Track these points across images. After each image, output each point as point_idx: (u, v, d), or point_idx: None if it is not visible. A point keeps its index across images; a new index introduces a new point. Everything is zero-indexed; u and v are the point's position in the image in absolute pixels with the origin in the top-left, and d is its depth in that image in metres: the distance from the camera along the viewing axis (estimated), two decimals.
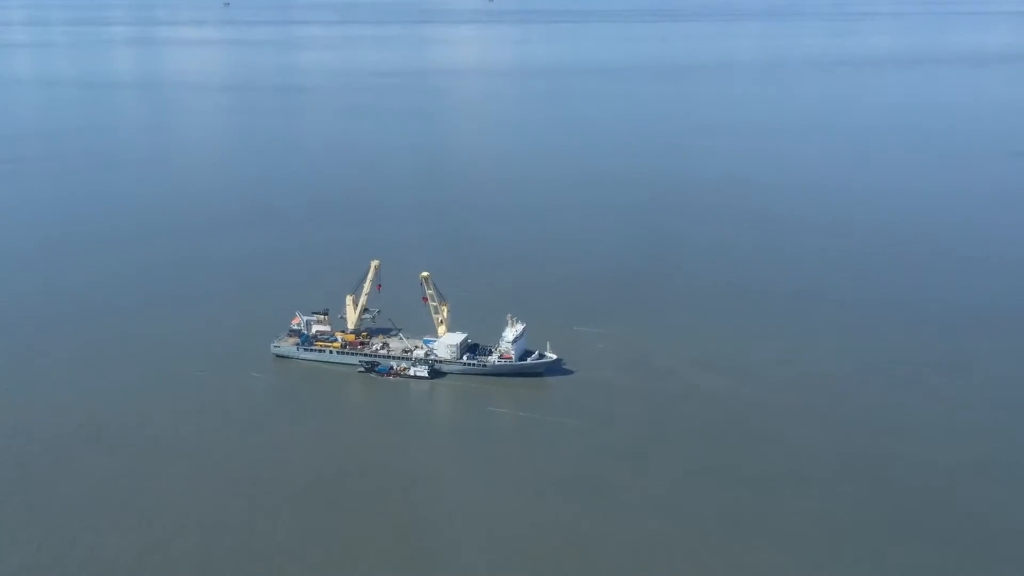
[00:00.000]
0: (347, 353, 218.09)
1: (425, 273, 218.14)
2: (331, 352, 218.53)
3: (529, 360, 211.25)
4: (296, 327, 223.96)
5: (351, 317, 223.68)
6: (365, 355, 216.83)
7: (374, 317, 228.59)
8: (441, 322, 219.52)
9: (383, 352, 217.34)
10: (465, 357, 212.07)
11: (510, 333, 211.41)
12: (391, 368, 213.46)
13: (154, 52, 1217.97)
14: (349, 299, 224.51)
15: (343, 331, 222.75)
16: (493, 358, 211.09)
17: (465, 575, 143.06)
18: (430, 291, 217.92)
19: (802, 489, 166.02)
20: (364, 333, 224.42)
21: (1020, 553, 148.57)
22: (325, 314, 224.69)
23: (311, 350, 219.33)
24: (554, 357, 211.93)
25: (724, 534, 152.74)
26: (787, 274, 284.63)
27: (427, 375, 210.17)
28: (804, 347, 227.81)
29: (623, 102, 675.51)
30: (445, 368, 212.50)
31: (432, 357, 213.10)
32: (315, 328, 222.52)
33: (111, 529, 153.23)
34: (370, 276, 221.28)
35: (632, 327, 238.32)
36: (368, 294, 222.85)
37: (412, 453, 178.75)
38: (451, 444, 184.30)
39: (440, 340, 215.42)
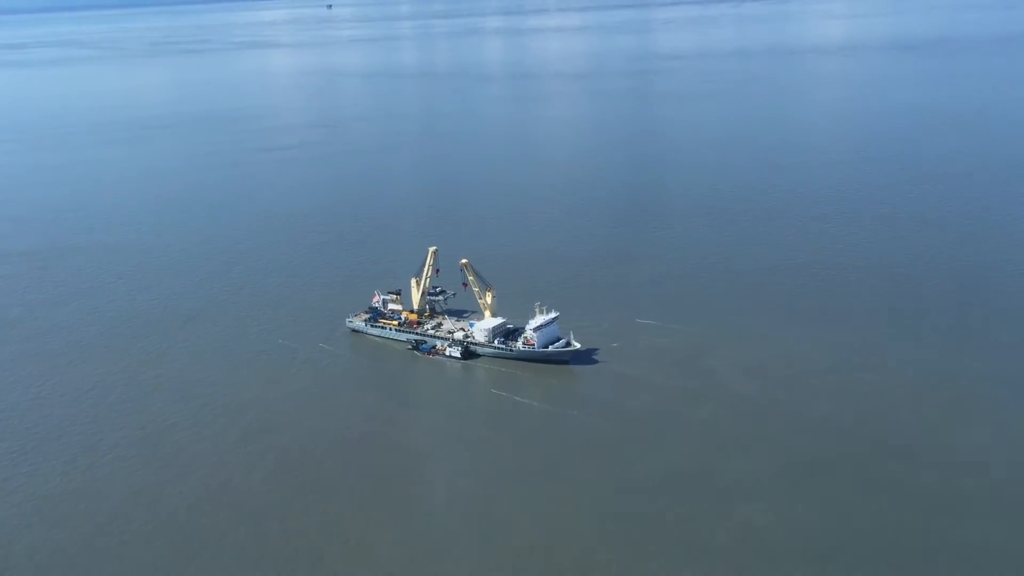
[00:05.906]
0: (403, 331, 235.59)
1: (464, 260, 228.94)
2: (390, 329, 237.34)
3: (551, 348, 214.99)
4: (375, 304, 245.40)
5: (415, 298, 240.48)
6: (416, 334, 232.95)
7: (447, 299, 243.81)
8: (486, 307, 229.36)
9: (431, 332, 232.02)
10: (496, 341, 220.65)
11: (535, 321, 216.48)
12: (433, 347, 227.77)
13: (498, 42, 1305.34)
14: (413, 281, 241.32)
15: (410, 310, 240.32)
16: (519, 344, 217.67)
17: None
18: (471, 276, 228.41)
19: (748, 506, 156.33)
20: (427, 313, 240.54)
21: None
22: (398, 294, 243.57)
23: (376, 326, 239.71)
24: (578, 346, 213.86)
25: (640, 544, 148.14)
26: (896, 273, 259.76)
27: (459, 356, 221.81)
28: (870, 353, 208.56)
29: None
30: (480, 351, 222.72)
31: (468, 340, 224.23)
32: (389, 306, 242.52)
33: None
34: (429, 261, 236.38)
35: (699, 324, 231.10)
36: (429, 277, 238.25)
37: (397, 422, 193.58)
38: (434, 418, 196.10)
39: (479, 324, 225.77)
